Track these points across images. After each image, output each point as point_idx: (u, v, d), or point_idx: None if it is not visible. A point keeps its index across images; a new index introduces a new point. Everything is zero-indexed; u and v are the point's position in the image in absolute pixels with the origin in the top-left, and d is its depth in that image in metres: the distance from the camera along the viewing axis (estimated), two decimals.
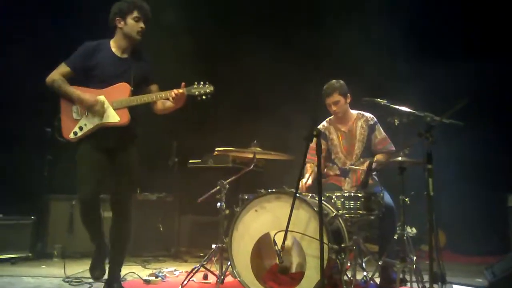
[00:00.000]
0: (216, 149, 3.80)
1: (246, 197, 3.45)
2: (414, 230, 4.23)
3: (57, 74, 3.22)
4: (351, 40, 5.16)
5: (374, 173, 3.77)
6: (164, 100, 3.27)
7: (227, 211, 3.73)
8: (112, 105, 3.19)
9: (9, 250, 4.74)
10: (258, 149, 3.64)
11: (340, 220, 3.25)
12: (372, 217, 3.29)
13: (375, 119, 3.86)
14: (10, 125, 5.25)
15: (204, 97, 3.21)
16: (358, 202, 3.26)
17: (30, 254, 4.83)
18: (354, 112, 3.90)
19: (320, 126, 3.92)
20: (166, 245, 5.30)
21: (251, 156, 3.69)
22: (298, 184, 2.88)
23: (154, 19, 3.39)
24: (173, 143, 5.46)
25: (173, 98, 3.17)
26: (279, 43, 5.76)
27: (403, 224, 3.25)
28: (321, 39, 5.48)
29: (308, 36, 5.58)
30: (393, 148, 3.76)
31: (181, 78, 3.24)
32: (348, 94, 3.82)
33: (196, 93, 3.19)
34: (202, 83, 3.22)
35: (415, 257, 3.16)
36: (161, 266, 4.41)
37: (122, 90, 3.21)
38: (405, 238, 3.20)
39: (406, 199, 3.27)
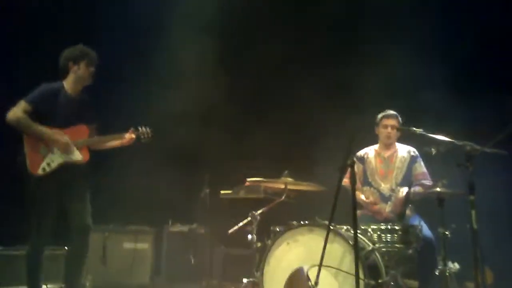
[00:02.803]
0: (247, 179, 3.76)
1: (277, 229, 3.36)
2: (457, 265, 3.99)
3: (21, 112, 3.38)
4: (386, 71, 5.09)
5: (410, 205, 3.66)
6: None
7: (258, 244, 3.64)
8: (75, 145, 3.50)
9: (43, 281, 4.76)
10: (290, 179, 3.57)
11: (377, 254, 3.11)
12: (410, 251, 3.13)
13: (418, 153, 3.88)
14: None
15: (144, 140, 3.78)
16: (395, 235, 3.13)
17: (63, 285, 4.84)
18: (398, 144, 3.97)
19: (361, 152, 4.01)
20: (198, 278, 5.21)
21: (282, 186, 3.63)
22: (332, 216, 2.78)
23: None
24: (205, 175, 5.45)
25: (126, 140, 3.70)
26: (313, 74, 5.75)
27: (444, 259, 3.08)
28: (357, 70, 5.43)
29: (344, 67, 5.55)
30: (430, 183, 3.68)
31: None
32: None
33: (142, 137, 3.76)
34: (144, 127, 3.79)
35: None
36: None
37: (82, 131, 3.58)
38: (447, 274, 3.02)
39: (447, 232, 3.11)
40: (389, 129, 3.85)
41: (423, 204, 3.74)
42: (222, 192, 5.53)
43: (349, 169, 2.70)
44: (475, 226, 2.58)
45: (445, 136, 3.13)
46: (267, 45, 5.76)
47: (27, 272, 3.58)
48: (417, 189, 3.66)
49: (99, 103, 3.85)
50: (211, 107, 5.55)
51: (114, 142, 3.75)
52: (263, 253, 3.20)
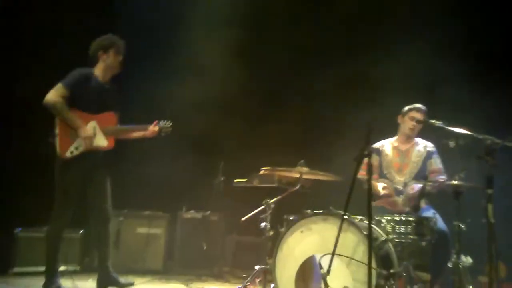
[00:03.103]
0: (262, 168, 3.77)
1: (291, 218, 3.37)
2: (470, 259, 3.96)
3: (58, 96, 3.55)
4: (405, 62, 5.04)
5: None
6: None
7: (271, 232, 3.67)
8: (103, 131, 3.68)
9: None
10: (305, 169, 3.57)
11: (390, 244, 3.11)
12: (424, 243, 3.12)
13: (435, 149, 3.85)
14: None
15: (163, 134, 3.89)
16: (409, 226, 3.12)
17: (78, 267, 4.94)
18: (417, 138, 3.94)
19: (377, 144, 3.98)
20: (209, 264, 5.26)
21: (297, 176, 3.64)
22: (347, 206, 2.78)
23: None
24: (219, 163, 5.48)
25: (149, 132, 3.83)
26: (331, 65, 5.72)
27: (458, 253, 3.06)
28: (375, 61, 5.38)
29: (362, 58, 5.50)
30: (446, 180, 3.64)
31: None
32: None
33: (163, 130, 3.86)
34: (165, 121, 3.89)
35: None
36: (204, 285, 4.37)
37: (110, 118, 3.75)
38: (460, 267, 3.01)
39: (462, 226, 3.08)
40: (415, 122, 3.79)
41: (439, 197, 3.71)
42: (236, 180, 5.56)
43: (365, 160, 2.70)
44: (492, 220, 2.56)
45: (464, 129, 3.10)
46: (285, 36, 5.75)
47: (47, 253, 3.72)
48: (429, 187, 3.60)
49: (121, 92, 3.94)
50: (229, 96, 5.56)
51: (137, 133, 3.90)
52: (277, 241, 3.21)
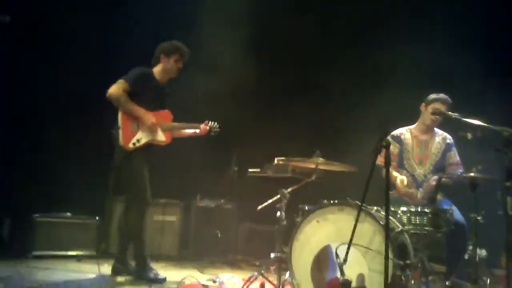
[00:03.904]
0: (276, 158, 3.78)
1: (307, 207, 3.40)
2: (484, 252, 3.97)
3: (121, 90, 3.75)
4: (421, 53, 5.00)
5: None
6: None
7: (285, 221, 3.69)
8: (161, 127, 3.90)
9: (75, 247, 4.96)
10: (321, 159, 3.58)
11: (406, 235, 3.12)
12: (439, 235, 3.12)
13: (453, 141, 3.81)
14: (77, 129, 5.53)
15: (213, 133, 4.09)
16: (425, 218, 3.11)
17: (94, 253, 5.03)
18: (436, 129, 3.89)
19: (396, 132, 3.92)
20: (223, 252, 5.33)
21: (312, 166, 3.64)
22: (364, 196, 2.80)
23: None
24: (233, 152, 5.51)
25: (200, 130, 4.04)
26: (347, 55, 5.69)
27: (475, 245, 3.06)
28: (391, 52, 5.35)
29: (377, 49, 5.47)
30: (463, 173, 3.61)
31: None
32: None
33: (212, 130, 4.07)
34: (214, 122, 4.10)
35: (488, 280, 2.97)
36: (218, 272, 4.43)
37: (166, 116, 4.00)
38: (477, 259, 3.01)
39: (479, 218, 3.08)
40: (438, 115, 3.66)
41: (456, 189, 3.69)
42: (250, 170, 5.59)
43: (383, 150, 2.70)
44: (510, 212, 2.56)
45: (481, 121, 3.08)
46: (298, 28, 5.73)
47: (121, 238, 4.00)
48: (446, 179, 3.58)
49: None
50: (244, 87, 5.58)
51: (189, 131, 4.13)
52: (293, 229, 3.24)
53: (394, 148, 3.77)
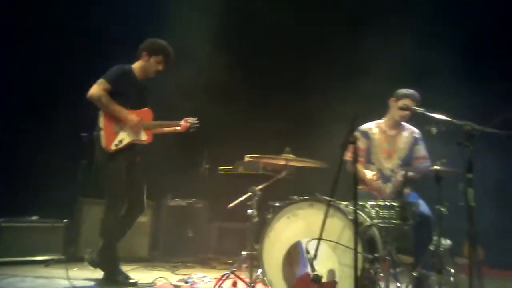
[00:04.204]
0: (247, 155, 3.80)
1: (278, 204, 3.42)
2: (449, 242, 4.09)
3: (102, 90, 3.66)
4: (394, 50, 5.10)
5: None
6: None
7: (257, 218, 3.71)
8: (142, 126, 3.81)
9: (43, 252, 4.83)
10: (291, 156, 3.61)
11: (374, 229, 3.19)
12: (407, 227, 3.20)
13: (421, 135, 3.85)
14: (45, 130, 5.39)
15: (192, 130, 4.06)
16: (393, 211, 3.18)
17: (63, 257, 4.91)
18: (403, 123, 3.91)
19: (364, 127, 3.92)
20: (195, 251, 5.31)
21: (283, 163, 3.67)
22: (333, 192, 2.84)
23: None
24: (204, 150, 5.49)
25: (180, 127, 3.99)
26: (317, 53, 5.74)
27: (439, 236, 3.16)
28: (360, 50, 5.42)
29: (350, 43, 5.55)
30: (430, 167, 3.69)
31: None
32: None
33: (192, 126, 4.03)
34: (194, 119, 4.06)
35: (452, 270, 3.06)
36: (190, 272, 4.41)
37: (148, 114, 3.89)
38: (441, 249, 3.11)
39: (443, 209, 3.17)
40: (407, 110, 3.69)
41: (424, 182, 3.77)
42: (220, 167, 5.59)
43: (351, 146, 2.74)
44: (472, 203, 2.64)
45: (446, 116, 3.16)
46: (273, 25, 5.75)
47: (103, 244, 3.79)
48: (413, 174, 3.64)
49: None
50: (214, 84, 5.56)
51: (169, 128, 4.06)
52: (263, 227, 3.26)
53: (361, 144, 3.80)
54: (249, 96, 5.95)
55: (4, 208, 4.80)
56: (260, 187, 3.71)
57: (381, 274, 3.16)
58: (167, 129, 4.08)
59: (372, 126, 3.92)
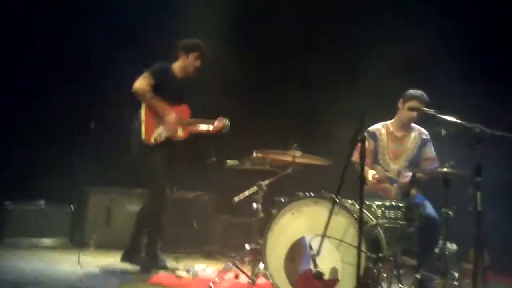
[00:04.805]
0: (255, 151, 3.79)
1: (282, 199, 3.41)
2: (454, 246, 4.06)
3: (147, 85, 3.75)
4: (401, 50, 5.05)
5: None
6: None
7: (262, 213, 3.71)
8: (180, 123, 3.90)
9: (49, 236, 4.88)
10: (298, 152, 3.60)
11: (379, 229, 3.17)
12: (412, 228, 3.18)
13: (429, 136, 3.82)
14: (54, 118, 5.43)
15: (224, 131, 4.09)
16: (399, 212, 3.15)
17: (68, 242, 4.96)
18: (412, 124, 3.89)
19: (373, 127, 3.92)
20: (199, 243, 5.31)
21: (290, 159, 3.66)
22: (339, 189, 2.83)
23: None
24: (211, 143, 5.48)
25: (213, 126, 4.03)
26: (326, 49, 5.70)
27: (445, 239, 3.13)
28: (368, 47, 5.38)
29: (356, 41, 5.51)
30: (438, 169, 3.65)
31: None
32: None
33: (225, 128, 4.06)
34: (225, 119, 4.08)
35: (457, 274, 3.03)
36: (193, 263, 4.42)
37: (185, 111, 4.00)
38: (446, 253, 3.08)
39: (450, 212, 3.14)
40: (415, 112, 3.68)
41: (432, 185, 3.73)
42: (228, 162, 5.58)
43: (359, 145, 2.72)
44: (479, 207, 2.61)
45: (456, 118, 3.12)
46: (280, 19, 5.73)
47: (136, 229, 3.97)
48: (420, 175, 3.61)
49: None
50: (222, 78, 5.55)
51: (204, 127, 4.11)
52: (268, 221, 3.25)
53: (368, 145, 3.78)
54: (257, 91, 5.93)
55: (11, 193, 4.86)
56: (266, 182, 3.70)
57: (384, 275, 3.15)
58: (202, 129, 4.12)
59: (379, 127, 3.91)
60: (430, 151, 3.80)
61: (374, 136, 3.86)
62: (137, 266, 3.88)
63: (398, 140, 3.83)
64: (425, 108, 3.37)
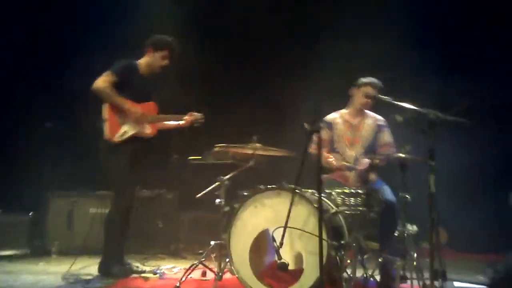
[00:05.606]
0: (216, 145, 3.77)
1: (245, 193, 3.41)
2: (415, 227, 4.17)
3: (107, 82, 3.66)
4: (358, 35, 5.12)
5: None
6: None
7: (226, 208, 3.70)
8: (146, 119, 3.82)
9: (7, 247, 4.70)
10: (258, 145, 3.60)
11: (340, 216, 3.21)
12: (372, 214, 3.24)
13: (386, 122, 3.87)
14: (9, 121, 5.23)
15: (197, 124, 4.06)
16: (359, 198, 3.21)
17: (28, 251, 4.80)
18: (367, 111, 3.92)
19: (328, 117, 3.95)
20: (165, 242, 5.26)
21: (251, 152, 3.66)
22: (298, 179, 2.84)
23: None
24: (172, 140, 5.41)
25: (184, 121, 4.01)
26: (284, 42, 5.71)
27: (404, 222, 3.21)
28: (326, 40, 5.42)
29: (312, 30, 5.54)
30: (395, 154, 3.72)
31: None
32: None
33: (196, 121, 4.03)
34: (197, 113, 4.04)
35: (415, 254, 3.12)
36: (160, 264, 4.37)
37: (152, 107, 3.91)
38: (405, 235, 3.16)
39: (407, 196, 3.22)
40: (370, 99, 3.72)
41: (391, 170, 3.81)
42: (190, 157, 5.52)
43: (315, 136, 2.74)
44: (433, 190, 2.68)
45: (411, 104, 3.18)
46: (240, 12, 5.69)
47: (105, 235, 3.82)
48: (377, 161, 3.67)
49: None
50: (183, 72, 5.48)
51: (173, 123, 4.06)
52: (231, 216, 3.25)
53: (325, 134, 3.83)
54: (217, 85, 5.90)
55: None
56: (227, 176, 3.69)
57: (348, 261, 3.20)
58: (171, 125, 4.07)
59: (335, 116, 3.95)
60: (387, 136, 3.85)
61: (329, 125, 3.90)
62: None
63: (354, 127, 3.87)
64: (380, 96, 3.41)
